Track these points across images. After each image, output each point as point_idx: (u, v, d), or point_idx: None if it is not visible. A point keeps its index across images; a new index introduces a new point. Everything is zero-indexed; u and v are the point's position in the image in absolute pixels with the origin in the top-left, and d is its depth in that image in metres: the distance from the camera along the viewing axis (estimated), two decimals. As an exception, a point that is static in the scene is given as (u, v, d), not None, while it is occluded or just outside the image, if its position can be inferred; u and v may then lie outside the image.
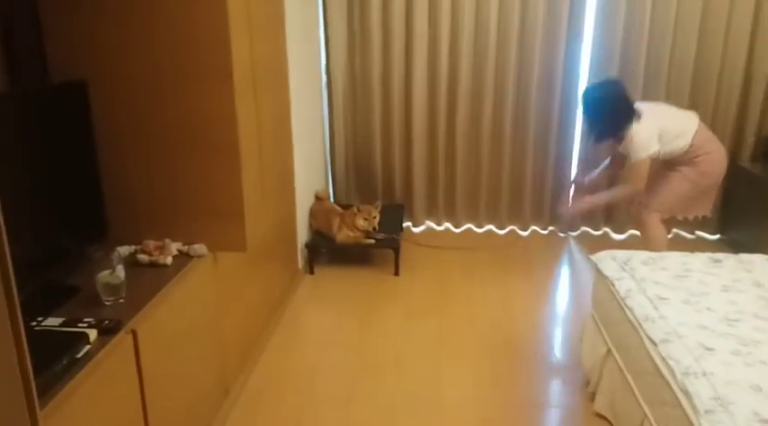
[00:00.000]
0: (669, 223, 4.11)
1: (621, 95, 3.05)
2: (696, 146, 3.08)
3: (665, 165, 3.20)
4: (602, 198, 3.37)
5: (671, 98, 3.86)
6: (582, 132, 3.91)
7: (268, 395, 2.49)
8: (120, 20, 1.93)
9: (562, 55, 3.87)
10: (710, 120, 3.89)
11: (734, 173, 3.96)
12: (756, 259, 2.45)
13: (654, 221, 3.27)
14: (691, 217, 3.39)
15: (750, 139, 3.94)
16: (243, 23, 2.12)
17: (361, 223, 3.60)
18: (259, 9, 2.36)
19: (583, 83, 3.94)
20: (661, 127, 3.04)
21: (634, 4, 3.73)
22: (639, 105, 3.10)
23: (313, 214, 3.78)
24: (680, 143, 3.08)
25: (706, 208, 3.31)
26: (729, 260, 2.44)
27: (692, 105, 3.87)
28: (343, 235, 3.61)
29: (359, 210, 3.61)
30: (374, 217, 3.60)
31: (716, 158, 3.14)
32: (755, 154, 3.96)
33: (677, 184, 3.17)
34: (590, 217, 4.13)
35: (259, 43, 2.35)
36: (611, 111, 3.05)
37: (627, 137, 3.04)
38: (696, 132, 3.09)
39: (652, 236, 3.29)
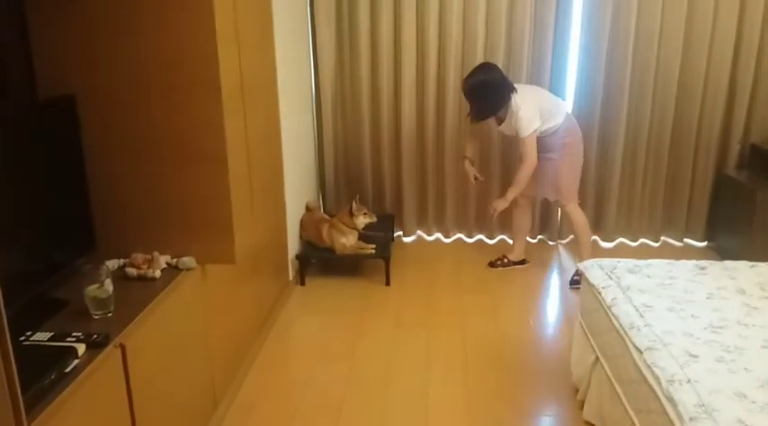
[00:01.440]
0: (657, 230, 4.18)
1: (500, 76, 3.33)
2: (563, 128, 3.40)
3: (541, 160, 3.42)
4: (511, 191, 3.48)
5: (657, 108, 3.92)
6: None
7: (258, 408, 2.49)
8: (108, 34, 1.94)
9: (549, 65, 3.91)
10: (696, 129, 3.96)
11: (720, 180, 4.01)
12: (740, 266, 2.48)
13: (576, 209, 3.56)
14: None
15: (735, 147, 3.99)
16: (231, 35, 2.14)
17: (362, 219, 3.63)
18: (247, 21, 2.38)
19: (570, 93, 3.98)
20: (540, 105, 3.35)
21: (619, 16, 3.78)
22: (517, 86, 3.38)
23: (303, 225, 3.79)
24: (554, 121, 3.38)
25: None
26: (714, 267, 2.47)
27: (678, 115, 3.94)
28: (339, 244, 3.61)
29: (353, 211, 3.62)
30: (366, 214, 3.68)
31: (578, 140, 3.50)
32: (741, 162, 4.01)
33: (562, 167, 3.45)
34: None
35: (247, 55, 2.37)
36: (493, 91, 3.30)
37: (510, 115, 3.32)
38: (566, 115, 3.44)
39: (579, 223, 3.55)
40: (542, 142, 3.39)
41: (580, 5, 3.83)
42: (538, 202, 4.11)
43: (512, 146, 3.98)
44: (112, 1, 1.91)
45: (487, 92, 3.31)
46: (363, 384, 2.65)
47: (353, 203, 3.67)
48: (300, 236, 3.79)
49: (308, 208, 3.87)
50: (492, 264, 3.84)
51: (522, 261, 3.86)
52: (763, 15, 3.72)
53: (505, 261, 3.84)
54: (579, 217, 3.56)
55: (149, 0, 1.90)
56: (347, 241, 3.63)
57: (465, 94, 3.39)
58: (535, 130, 3.32)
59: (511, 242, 4.11)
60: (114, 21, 1.93)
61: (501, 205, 3.49)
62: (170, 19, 1.92)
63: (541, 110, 3.33)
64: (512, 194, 3.47)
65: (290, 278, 3.59)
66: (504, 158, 4.12)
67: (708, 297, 2.20)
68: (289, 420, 2.42)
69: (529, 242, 4.22)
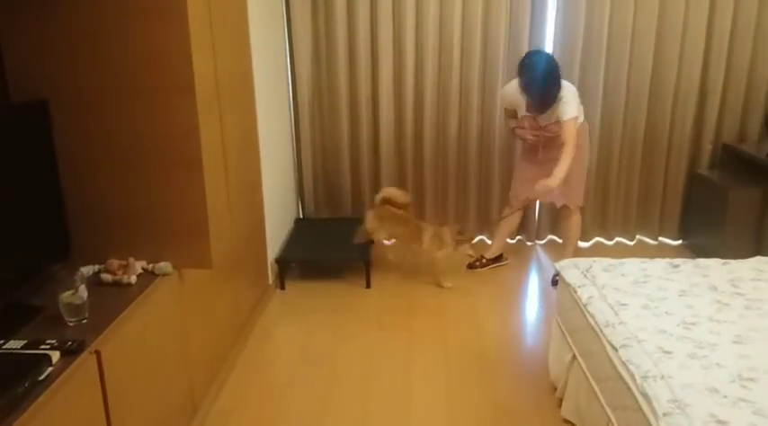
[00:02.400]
0: (632, 229, 4.25)
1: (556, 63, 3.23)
2: (581, 129, 3.35)
3: (554, 161, 3.30)
4: (561, 170, 3.18)
5: (630, 108, 3.98)
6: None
7: (238, 414, 2.48)
8: (81, 38, 1.92)
9: (525, 68, 3.95)
10: (669, 130, 4.03)
11: (692, 179, 4.09)
12: (713, 263, 2.53)
13: (579, 216, 3.57)
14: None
15: (707, 147, 4.06)
16: (205, 38, 2.13)
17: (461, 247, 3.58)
18: (222, 23, 2.37)
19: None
20: (576, 95, 3.28)
21: (593, 20, 3.84)
22: None
23: (381, 218, 3.54)
24: (581, 118, 3.34)
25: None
26: (687, 265, 2.52)
27: (651, 116, 4.00)
28: (437, 254, 3.55)
29: (456, 236, 3.55)
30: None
31: (588, 143, 3.52)
32: (713, 161, 4.09)
33: (574, 168, 3.33)
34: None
35: (223, 57, 2.36)
36: (558, 76, 3.18)
37: (557, 102, 3.20)
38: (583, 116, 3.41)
39: (577, 231, 3.58)
40: (559, 140, 3.29)
41: (554, 9, 3.88)
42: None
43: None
44: (85, 5, 1.90)
45: (556, 76, 3.17)
46: (344, 386, 2.65)
47: (453, 228, 3.63)
48: (364, 233, 3.60)
49: (387, 201, 3.56)
50: (471, 266, 3.86)
51: (499, 258, 3.87)
52: (733, 17, 3.80)
53: (483, 261, 3.86)
54: (579, 225, 3.59)
55: (122, 4, 1.89)
56: (442, 254, 3.57)
57: (531, 82, 3.16)
58: (577, 117, 3.22)
59: (488, 240, 4.15)
60: (87, 25, 1.91)
61: (553, 182, 3.18)
62: (143, 23, 1.91)
63: (577, 100, 3.27)
64: (562, 173, 3.18)
65: (270, 282, 3.58)
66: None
67: (681, 295, 2.24)
68: (270, 424, 2.41)
69: (508, 242, 4.25)
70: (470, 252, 3.66)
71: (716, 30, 3.84)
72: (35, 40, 1.93)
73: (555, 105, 3.21)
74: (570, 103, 3.18)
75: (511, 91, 3.40)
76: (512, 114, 3.53)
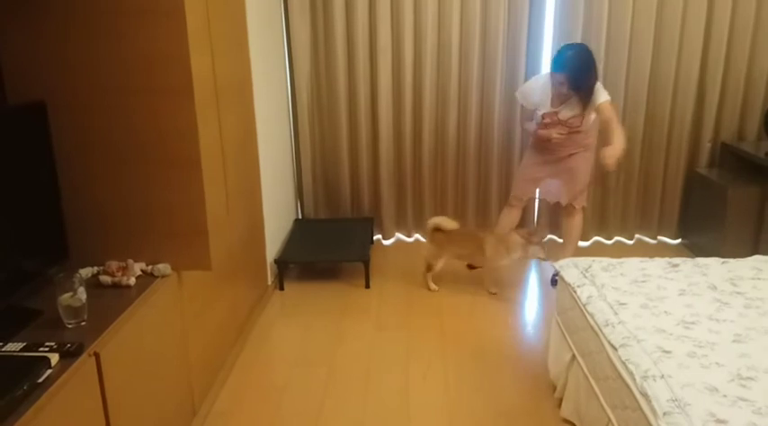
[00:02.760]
0: (631, 228, 4.25)
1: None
2: (592, 128, 3.40)
3: (564, 160, 3.41)
4: (619, 144, 3.11)
5: (629, 107, 3.98)
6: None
7: (237, 415, 2.48)
8: (77, 39, 1.92)
9: (523, 67, 3.95)
10: (668, 128, 4.03)
11: (691, 178, 4.09)
12: (712, 262, 2.53)
13: (581, 216, 3.56)
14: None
15: (706, 146, 4.07)
16: (203, 39, 2.12)
17: (534, 249, 3.46)
18: (220, 24, 2.37)
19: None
20: None
21: (591, 19, 3.84)
22: None
23: (439, 243, 3.51)
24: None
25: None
26: (686, 264, 2.52)
27: (649, 115, 4.00)
28: (504, 260, 3.48)
29: (531, 237, 3.45)
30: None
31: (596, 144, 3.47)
32: (711, 160, 4.10)
33: (583, 167, 3.43)
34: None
35: (221, 58, 2.36)
36: (594, 67, 3.21)
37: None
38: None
39: (579, 230, 3.57)
40: (571, 139, 3.35)
41: (552, 9, 3.88)
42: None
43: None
44: (81, 6, 1.89)
45: (594, 63, 3.19)
46: (343, 387, 2.65)
47: (528, 229, 3.57)
48: (431, 265, 3.55)
49: (439, 229, 3.52)
50: (470, 266, 3.86)
51: None
52: (731, 16, 3.80)
53: None
54: (581, 225, 3.60)
55: (119, 5, 1.89)
56: (508, 261, 3.50)
57: (571, 68, 3.13)
58: (609, 99, 3.23)
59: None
60: (84, 26, 1.91)
61: (616, 151, 3.10)
62: (140, 24, 1.90)
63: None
64: (622, 142, 3.13)
65: (269, 282, 3.57)
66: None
67: (680, 294, 2.24)
68: (269, 425, 2.41)
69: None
70: (542, 256, 3.51)
71: (714, 28, 3.84)
72: (32, 42, 1.93)
73: (580, 95, 3.23)
74: (600, 89, 3.24)
75: (534, 87, 3.38)
76: (529, 116, 3.50)
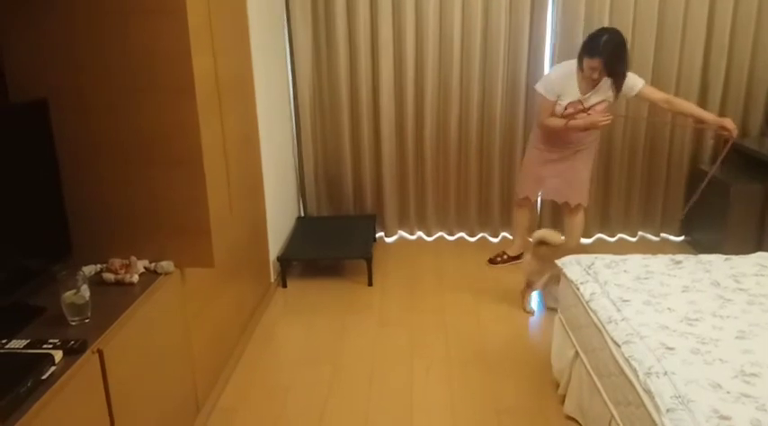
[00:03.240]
0: (634, 225, 4.24)
1: None
2: None
3: (569, 158, 3.43)
4: (702, 113, 3.36)
5: (631, 103, 3.97)
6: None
7: (240, 413, 2.48)
8: (80, 37, 1.92)
9: (525, 64, 3.95)
10: (671, 125, 4.02)
11: (694, 175, 4.08)
12: (715, 259, 2.52)
13: (583, 212, 3.58)
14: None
15: (710, 143, 4.05)
16: (205, 37, 2.13)
17: None
18: (222, 23, 2.37)
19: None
20: None
21: (592, 16, 3.82)
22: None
23: (545, 259, 3.11)
24: None
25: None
26: (689, 261, 2.51)
27: (653, 110, 3.99)
28: None
29: None
30: None
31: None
32: (715, 156, 4.08)
33: (588, 165, 3.47)
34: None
35: (223, 57, 2.36)
36: (627, 51, 3.20)
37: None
38: None
39: (581, 229, 3.59)
40: (578, 137, 3.36)
41: (553, 3, 3.87)
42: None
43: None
44: (84, 4, 1.89)
45: (626, 47, 3.18)
46: (347, 384, 2.65)
47: None
48: (532, 283, 3.22)
49: (544, 243, 3.17)
50: (492, 261, 3.87)
51: (521, 256, 3.86)
52: (733, 12, 3.79)
53: (505, 257, 3.87)
54: (582, 222, 3.61)
55: (121, 3, 1.89)
56: None
57: (607, 53, 3.08)
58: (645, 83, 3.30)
59: (490, 238, 4.16)
60: (86, 24, 1.91)
61: (726, 121, 3.24)
62: (142, 22, 1.91)
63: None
64: (706, 113, 3.36)
65: (272, 280, 3.58)
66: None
67: (683, 291, 2.23)
68: (272, 423, 2.41)
69: (507, 238, 4.26)
70: None
71: (716, 24, 3.83)
72: (35, 41, 1.93)
73: (608, 84, 3.24)
74: (634, 76, 3.26)
75: (556, 78, 3.34)
76: (551, 111, 3.37)
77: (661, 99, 3.31)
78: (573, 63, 3.30)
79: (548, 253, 3.12)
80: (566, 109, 3.32)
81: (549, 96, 3.35)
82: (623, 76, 3.21)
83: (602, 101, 3.30)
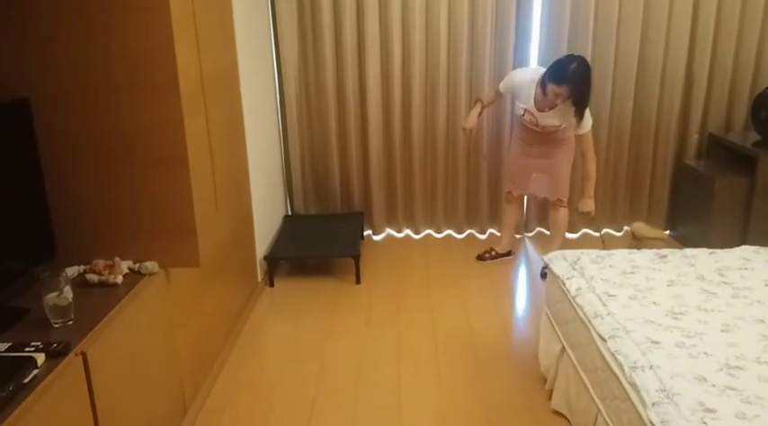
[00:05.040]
0: (620, 220, 4.27)
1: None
2: None
3: (551, 156, 3.47)
4: (591, 187, 3.47)
5: (616, 98, 3.99)
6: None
7: (228, 413, 2.47)
8: (61, 35, 1.90)
9: (511, 60, 3.95)
10: (656, 120, 4.04)
11: (679, 170, 4.11)
12: (700, 253, 2.54)
13: (566, 207, 3.60)
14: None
15: (694, 137, 4.08)
16: (189, 34, 2.10)
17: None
18: (206, 20, 2.35)
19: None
20: None
21: (578, 10, 3.84)
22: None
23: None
24: None
25: None
26: (675, 255, 2.53)
27: (637, 106, 4.02)
28: None
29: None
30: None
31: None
32: (699, 151, 4.11)
33: (567, 162, 3.50)
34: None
35: (207, 53, 2.34)
36: (591, 81, 3.19)
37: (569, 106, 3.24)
38: None
39: (566, 223, 3.61)
40: (556, 136, 3.39)
41: (540, 1, 3.87)
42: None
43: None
44: (66, 3, 1.87)
45: (590, 77, 3.17)
46: (335, 383, 2.65)
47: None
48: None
49: (638, 237, 3.37)
50: (480, 257, 3.88)
51: (509, 253, 3.91)
52: (718, 7, 3.82)
53: (493, 253, 3.88)
54: (567, 217, 3.64)
55: (104, 2, 1.86)
56: None
57: (574, 82, 3.10)
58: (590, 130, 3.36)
59: (478, 235, 4.16)
60: (68, 21, 1.88)
61: (590, 206, 3.46)
62: (125, 19, 1.88)
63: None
64: (592, 190, 3.46)
65: (259, 279, 3.56)
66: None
67: (668, 285, 2.25)
68: (260, 423, 2.40)
69: (494, 235, 4.27)
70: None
71: (701, 19, 3.85)
72: (15, 39, 1.90)
73: (564, 108, 3.24)
74: (588, 117, 3.28)
75: (522, 80, 3.35)
76: (492, 99, 3.56)
77: (584, 149, 3.39)
78: (539, 71, 3.32)
79: (646, 246, 3.20)
80: (523, 114, 3.39)
81: (502, 89, 3.49)
82: (587, 104, 3.22)
83: (560, 125, 3.33)
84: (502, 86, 3.50)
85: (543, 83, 3.20)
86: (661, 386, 1.64)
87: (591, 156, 3.41)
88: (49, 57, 1.92)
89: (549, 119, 3.32)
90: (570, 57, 3.19)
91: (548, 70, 3.19)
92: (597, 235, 4.26)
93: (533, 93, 3.29)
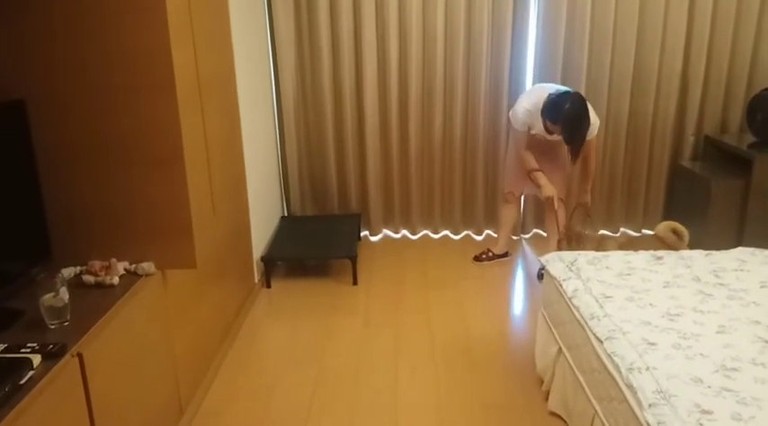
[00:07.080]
0: (616, 221, 4.28)
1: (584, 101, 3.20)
2: None
3: (550, 158, 3.49)
4: (587, 184, 3.55)
5: (613, 100, 4.00)
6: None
7: (225, 414, 2.46)
8: (57, 36, 1.89)
9: (507, 62, 3.96)
10: (651, 122, 4.06)
11: (675, 171, 4.12)
12: (696, 254, 2.55)
13: (563, 208, 3.60)
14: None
15: (690, 139, 4.10)
16: (185, 34, 2.10)
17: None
18: (203, 20, 2.35)
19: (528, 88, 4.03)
20: None
21: (575, 13, 3.85)
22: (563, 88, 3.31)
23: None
24: None
25: None
26: (671, 256, 2.53)
27: (633, 109, 4.03)
28: None
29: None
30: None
31: None
32: (695, 153, 4.13)
33: (561, 162, 3.53)
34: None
35: (204, 54, 2.34)
36: (587, 114, 3.17)
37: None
38: None
39: (562, 219, 3.58)
40: (551, 140, 3.39)
41: (536, 2, 3.89)
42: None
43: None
44: (62, 4, 1.86)
45: (586, 111, 3.16)
46: (332, 384, 2.65)
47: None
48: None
49: (662, 240, 3.14)
50: (477, 258, 3.89)
51: (506, 254, 3.92)
52: (713, 9, 3.83)
53: (490, 254, 3.89)
54: (563, 218, 3.63)
55: (99, 2, 1.86)
56: None
57: (566, 124, 3.13)
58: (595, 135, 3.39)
59: (474, 236, 4.16)
60: (64, 22, 1.88)
61: (586, 198, 3.57)
62: (121, 19, 1.88)
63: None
64: (589, 186, 3.55)
65: (256, 280, 3.56)
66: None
67: (665, 286, 2.25)
68: (257, 424, 2.40)
69: (491, 236, 4.27)
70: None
71: (696, 21, 3.86)
72: (11, 41, 1.90)
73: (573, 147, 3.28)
74: (594, 120, 3.26)
75: (531, 108, 3.31)
76: (525, 142, 3.46)
77: (588, 152, 3.39)
78: (533, 93, 3.35)
79: (673, 245, 3.05)
80: (533, 132, 3.41)
81: (521, 129, 3.45)
82: (581, 144, 3.23)
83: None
84: (516, 124, 3.45)
85: (543, 114, 3.25)
86: (657, 387, 1.64)
87: (593, 158, 3.47)
88: (45, 57, 1.91)
89: (557, 136, 3.32)
90: (565, 95, 3.17)
91: (544, 105, 3.22)
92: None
93: (541, 121, 3.31)
